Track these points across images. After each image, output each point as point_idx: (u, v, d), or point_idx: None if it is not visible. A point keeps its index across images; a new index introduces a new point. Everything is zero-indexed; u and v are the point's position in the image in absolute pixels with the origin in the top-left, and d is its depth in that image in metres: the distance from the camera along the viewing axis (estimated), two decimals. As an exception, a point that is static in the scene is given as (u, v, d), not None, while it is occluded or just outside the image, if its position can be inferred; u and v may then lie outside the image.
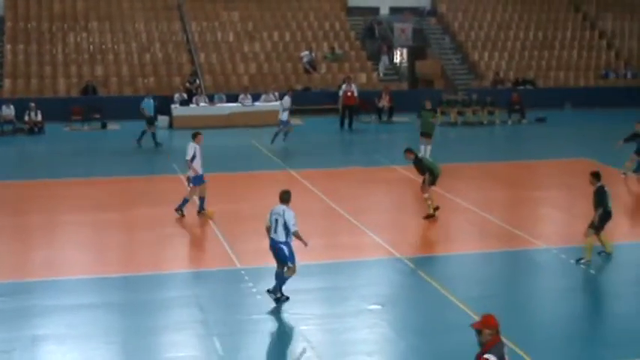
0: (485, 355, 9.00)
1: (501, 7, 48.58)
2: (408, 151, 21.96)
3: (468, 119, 38.01)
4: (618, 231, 21.07)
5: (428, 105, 29.78)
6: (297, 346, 13.76)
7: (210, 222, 21.03)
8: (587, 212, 21.45)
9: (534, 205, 23.70)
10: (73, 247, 19.56)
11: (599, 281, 17.43)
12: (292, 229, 15.18)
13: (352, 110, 37.11)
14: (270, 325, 14.72)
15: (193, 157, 21.58)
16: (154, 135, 32.21)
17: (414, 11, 47.48)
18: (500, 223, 21.29)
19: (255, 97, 38.37)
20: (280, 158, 29.45)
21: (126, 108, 37.66)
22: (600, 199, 17.84)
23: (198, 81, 39.75)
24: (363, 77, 42.51)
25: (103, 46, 41.96)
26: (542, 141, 34.53)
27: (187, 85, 39.20)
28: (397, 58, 47.10)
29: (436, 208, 21.62)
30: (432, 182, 21.56)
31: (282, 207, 15.31)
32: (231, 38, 43.65)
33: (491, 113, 38.74)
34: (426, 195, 21.59)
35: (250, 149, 31.54)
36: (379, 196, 24.54)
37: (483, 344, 9.14)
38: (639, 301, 16.31)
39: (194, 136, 22.01)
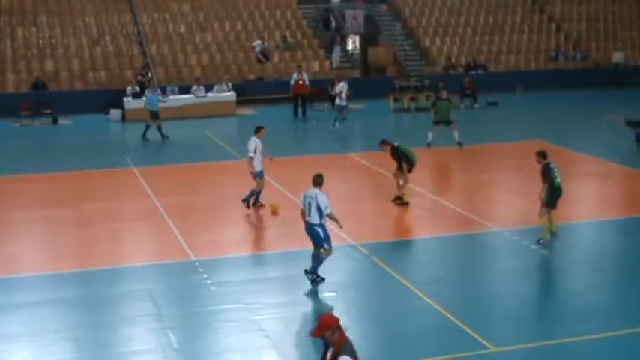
0: (340, 358, 8.86)
1: (451, -7, 48.78)
2: (384, 142, 21.78)
3: (420, 105, 38.16)
4: (570, 211, 21.36)
5: (445, 94, 29.76)
6: (251, 336, 13.75)
7: (164, 214, 20.92)
8: (537, 194, 21.69)
9: (488, 189, 23.89)
10: (25, 244, 19.36)
11: (551, 261, 17.63)
12: (325, 211, 15.58)
13: (304, 99, 37.11)
14: (225, 315, 14.70)
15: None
16: (159, 128, 31.68)
17: (365, -2, 47.55)
18: (454, 207, 21.44)
19: (208, 88, 38.19)
20: (234, 149, 29.35)
21: (77, 102, 37.42)
22: (546, 175, 18.07)
23: (150, 73, 39.47)
24: (315, 65, 42.50)
25: (53, 41, 41.48)
26: (494, 124, 34.83)
27: (139, 77, 38.90)
28: (349, 46, 47.15)
29: (398, 199, 21.65)
30: (410, 170, 21.63)
31: (314, 190, 15.75)
32: (182, 29, 43.38)
33: (444, 98, 38.87)
34: (401, 182, 21.63)
35: (204, 140, 31.40)
36: (334, 183, 24.46)
37: (333, 344, 9.01)
38: (589, 279, 16.54)
39: (256, 131, 21.32)
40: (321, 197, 15.68)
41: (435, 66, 43.84)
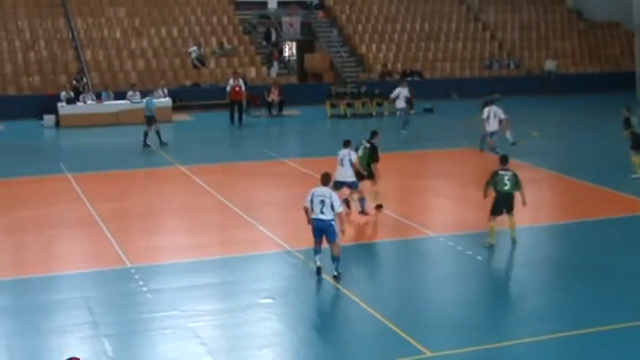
0: None
1: (388, 0, 49.13)
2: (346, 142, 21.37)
3: (357, 111, 38.35)
4: (503, 217, 21.63)
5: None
6: (188, 343, 13.67)
7: (99, 221, 20.70)
8: (476, 200, 21.95)
9: (424, 195, 24.10)
10: (-44, 252, 18.99)
11: (486, 266, 17.80)
12: (338, 209, 16.19)
13: (241, 105, 37.02)
14: (161, 323, 14.57)
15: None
16: (158, 133, 31.13)
17: (302, 5, 47.66)
18: (391, 213, 21.55)
19: (144, 94, 37.87)
20: (170, 155, 29.19)
21: (10, 108, 36.88)
22: (489, 180, 18.61)
23: (85, 79, 39.06)
24: (252, 71, 42.47)
25: (-16, 45, 40.86)
26: (430, 131, 35.12)
27: (74, 83, 38.49)
28: (286, 52, 47.21)
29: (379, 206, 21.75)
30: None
31: (326, 189, 16.40)
32: (117, 35, 43.03)
33: (379, 105, 39.20)
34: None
35: (140, 147, 31.12)
36: (270, 189, 24.57)
37: None
38: (523, 284, 16.79)
39: (346, 144, 20.97)
40: (335, 196, 16.52)
41: (371, 73, 44.11)
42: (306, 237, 19.68)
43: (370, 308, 14.98)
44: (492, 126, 27.97)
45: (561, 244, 19.63)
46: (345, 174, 20.58)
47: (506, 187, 18.58)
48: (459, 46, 47.36)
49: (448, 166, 27.37)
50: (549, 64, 46.37)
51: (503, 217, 18.70)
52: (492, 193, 18.72)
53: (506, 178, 18.60)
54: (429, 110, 39.32)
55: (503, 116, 27.96)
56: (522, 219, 21.35)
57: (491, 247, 18.52)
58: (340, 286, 16.02)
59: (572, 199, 23.65)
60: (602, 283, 16.48)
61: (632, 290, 16.06)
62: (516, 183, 18.61)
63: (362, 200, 21.19)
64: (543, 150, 30.36)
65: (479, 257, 18.04)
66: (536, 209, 22.31)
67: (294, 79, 43.71)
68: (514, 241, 18.88)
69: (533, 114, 38.18)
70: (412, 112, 38.64)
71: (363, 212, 21.11)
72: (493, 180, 18.65)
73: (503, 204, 18.67)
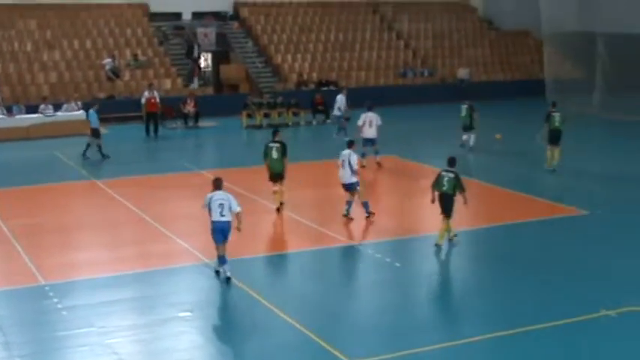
0: None
1: (302, 11, 49.32)
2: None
3: (273, 121, 38.33)
4: (421, 223, 21.88)
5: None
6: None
7: (11, 237, 20.24)
8: (392, 207, 22.13)
9: (340, 203, 24.08)
10: None
11: (404, 273, 17.88)
12: (236, 210, 17.02)
13: (156, 117, 36.64)
14: (77, 340, 14.29)
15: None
16: (99, 147, 30.75)
17: (217, 16, 47.48)
18: (308, 222, 21.58)
19: (57, 107, 37.27)
20: (85, 169, 28.75)
21: None
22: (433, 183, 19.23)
23: (-5, 92, 38.26)
24: (167, 83, 42.12)
25: None
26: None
27: (-17, 96, 37.65)
28: (202, 63, 46.95)
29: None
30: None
31: (223, 192, 17.20)
32: (29, 47, 42.23)
33: (296, 114, 39.25)
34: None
35: (53, 161, 30.59)
36: (187, 201, 24.31)
37: None
38: (440, 290, 17.02)
39: (349, 144, 21.95)
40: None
41: (287, 83, 44.17)
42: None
43: (290, 318, 14.96)
44: (368, 133, 28.21)
45: (475, 249, 19.88)
46: (345, 175, 21.55)
47: (444, 188, 18.87)
48: (373, 55, 47.74)
49: (365, 174, 27.46)
50: (462, 72, 47.08)
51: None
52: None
53: (445, 179, 18.91)
54: (346, 119, 39.42)
55: (379, 123, 28.30)
56: (440, 225, 21.59)
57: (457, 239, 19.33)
58: (261, 297, 15.97)
59: (489, 204, 23.94)
60: (515, 286, 16.76)
61: (558, 288, 16.40)
62: (456, 185, 18.86)
63: (349, 204, 21.72)
64: (459, 156, 30.65)
65: (397, 264, 18.18)
66: (455, 216, 22.58)
67: (209, 90, 43.49)
68: (438, 247, 19.08)
69: (447, 122, 38.61)
70: (329, 121, 38.83)
71: (369, 215, 21.64)
72: (436, 180, 19.10)
73: (441, 204, 18.95)
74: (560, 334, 14.27)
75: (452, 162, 19.28)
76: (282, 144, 22.53)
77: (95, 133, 30.84)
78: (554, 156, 27.40)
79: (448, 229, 19.25)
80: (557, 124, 27.44)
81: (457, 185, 18.87)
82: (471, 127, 31.58)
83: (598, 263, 18.23)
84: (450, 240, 19.35)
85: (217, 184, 17.35)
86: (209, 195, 17.10)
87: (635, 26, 45.80)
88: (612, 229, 21.08)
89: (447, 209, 19.05)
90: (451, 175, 18.96)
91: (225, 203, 16.96)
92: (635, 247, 19.52)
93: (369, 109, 28.70)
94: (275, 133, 23.05)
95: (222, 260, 17.03)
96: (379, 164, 28.10)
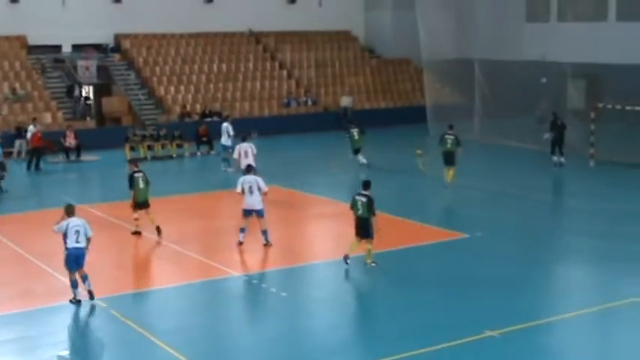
0: None
1: (184, 42, 49.19)
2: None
3: (157, 153, 38.06)
4: (307, 252, 22.06)
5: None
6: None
7: None
8: (276, 238, 22.24)
9: (226, 235, 24.07)
10: None
11: (292, 302, 17.96)
12: (89, 235, 17.97)
13: (40, 152, 35.94)
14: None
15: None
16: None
17: (97, 48, 46.92)
18: (194, 254, 21.49)
19: None
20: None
21: None
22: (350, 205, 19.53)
23: None
24: (48, 117, 41.36)
25: None
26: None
27: None
28: (76, 90, 46.01)
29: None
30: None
31: (79, 219, 17.90)
32: None
33: (180, 146, 39.05)
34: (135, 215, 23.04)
35: None
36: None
37: None
38: (328, 317, 17.11)
39: (248, 170, 22.83)
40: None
41: (171, 114, 43.94)
42: (106, 284, 19.37)
43: (176, 352, 14.87)
44: (245, 163, 28.10)
45: (363, 276, 20.12)
46: (254, 202, 21.67)
47: (360, 212, 19.12)
48: (257, 86, 47.95)
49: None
50: (345, 101, 47.66)
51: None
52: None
53: (359, 203, 19.16)
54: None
55: (255, 152, 28.47)
56: (326, 253, 21.84)
57: (373, 267, 19.50)
58: (146, 332, 15.82)
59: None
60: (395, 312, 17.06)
61: (443, 311, 16.75)
62: (369, 209, 19.10)
63: (265, 232, 21.75)
64: (342, 184, 31.14)
65: (283, 294, 18.26)
66: (339, 242, 22.84)
67: (91, 124, 42.89)
68: (366, 265, 19.62)
69: (329, 150, 39.11)
70: (213, 152, 38.77)
71: (267, 244, 21.69)
72: (351, 203, 19.45)
73: (357, 227, 19.18)
74: (444, 358, 14.58)
75: (366, 185, 19.61)
76: (144, 173, 23.44)
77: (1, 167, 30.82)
78: (449, 174, 28.84)
79: (370, 253, 19.53)
80: (448, 146, 28.80)
81: (369, 209, 19.16)
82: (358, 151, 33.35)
83: (480, 284, 18.72)
84: (367, 264, 19.58)
85: (70, 211, 17.87)
86: (65, 222, 17.60)
87: (510, 52, 47.47)
88: (492, 251, 21.68)
89: (363, 233, 19.32)
90: (364, 199, 19.27)
91: (81, 229, 17.56)
92: (511, 269, 20.12)
93: (243, 139, 28.85)
94: (134, 163, 24.45)
95: (74, 284, 17.56)
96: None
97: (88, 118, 43.05)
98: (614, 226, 23.77)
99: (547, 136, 34.38)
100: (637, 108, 33.40)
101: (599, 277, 19.60)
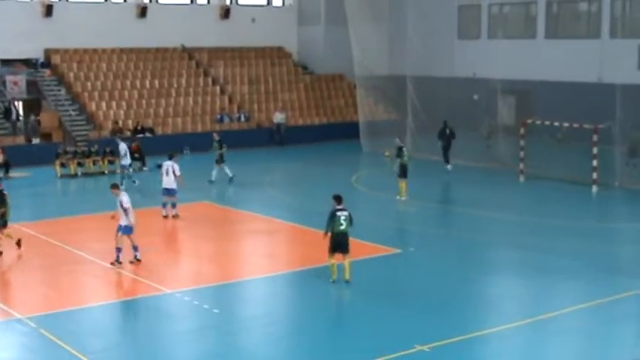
0: None
1: (116, 57, 48.75)
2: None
3: (88, 170, 37.61)
4: (240, 268, 21.99)
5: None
6: None
7: None
8: (208, 254, 22.14)
9: (157, 251, 23.84)
10: None
11: (224, 318, 17.87)
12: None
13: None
14: None
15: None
16: None
17: (27, 63, 46.26)
18: (126, 272, 21.26)
19: None
20: None
21: None
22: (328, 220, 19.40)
23: None
24: (-25, 133, 40.68)
25: None
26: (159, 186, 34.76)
27: None
28: (13, 113, 45.39)
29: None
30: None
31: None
32: None
33: (111, 162, 38.63)
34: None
35: None
36: (-2, 256, 23.52)
37: None
38: (260, 334, 17.08)
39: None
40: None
41: (102, 130, 43.48)
42: (35, 302, 19.06)
43: (106, 371, 14.69)
44: (165, 182, 27.90)
45: (295, 291, 20.12)
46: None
47: (342, 227, 19.13)
48: (189, 101, 47.72)
49: (183, 222, 27.36)
50: (278, 117, 47.68)
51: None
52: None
53: (342, 218, 19.17)
54: (160, 166, 39.09)
55: (178, 172, 28.00)
56: (259, 269, 21.84)
57: (334, 282, 19.44)
58: (76, 351, 15.59)
59: (309, 246, 24.10)
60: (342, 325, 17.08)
61: (375, 325, 16.81)
62: (350, 222, 19.28)
63: (135, 248, 21.85)
64: (275, 200, 31.13)
65: (215, 310, 18.16)
66: (271, 258, 22.85)
67: (21, 140, 42.21)
68: (348, 282, 19.50)
69: (261, 166, 39.11)
70: (145, 168, 38.46)
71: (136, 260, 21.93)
72: (332, 220, 19.29)
73: (338, 244, 19.12)
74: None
75: (340, 200, 19.57)
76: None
77: None
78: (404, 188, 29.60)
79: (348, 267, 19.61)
80: (405, 159, 29.67)
81: (351, 223, 19.37)
82: (222, 161, 34.04)
83: (411, 299, 18.86)
84: (348, 281, 19.60)
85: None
86: None
87: (441, 69, 48.04)
88: (424, 265, 21.88)
89: (344, 248, 19.44)
90: (345, 212, 19.39)
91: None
92: (443, 283, 20.31)
93: (170, 157, 28.45)
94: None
95: None
96: (175, 216, 27.77)
97: (33, 140, 42.22)
98: (543, 241, 24.12)
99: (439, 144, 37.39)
100: (565, 124, 34.01)
101: (529, 290, 19.85)
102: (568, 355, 15.82)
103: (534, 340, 16.43)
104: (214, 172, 33.89)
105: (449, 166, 36.82)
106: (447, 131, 36.98)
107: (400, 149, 29.95)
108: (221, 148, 34.11)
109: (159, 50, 50.45)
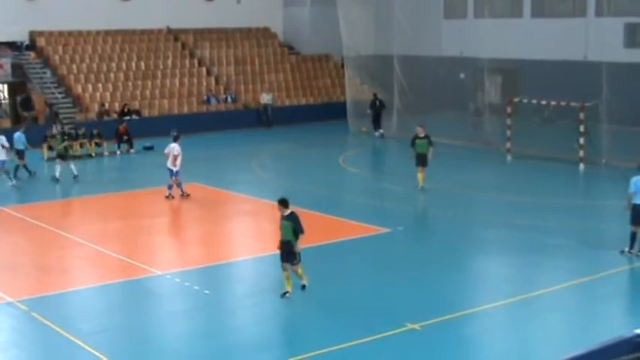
0: None
1: (101, 39, 48.50)
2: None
3: (75, 153, 37.48)
4: (229, 249, 22.03)
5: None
6: None
7: None
8: (198, 236, 22.17)
9: (147, 234, 23.91)
10: None
11: (214, 299, 17.91)
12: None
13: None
14: None
15: None
16: (25, 166, 32.50)
17: (11, 46, 45.99)
18: (115, 254, 21.27)
19: None
20: None
21: None
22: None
23: None
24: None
25: None
26: (150, 169, 34.74)
27: None
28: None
29: None
30: None
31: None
32: None
33: (99, 145, 38.54)
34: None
35: None
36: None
37: None
38: (251, 314, 17.14)
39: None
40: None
41: (89, 113, 43.33)
42: (26, 285, 19.07)
43: (98, 352, 14.72)
44: (167, 163, 27.94)
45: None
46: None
47: (283, 236, 18.07)
48: (176, 83, 47.56)
49: (167, 203, 27.34)
50: (265, 98, 47.57)
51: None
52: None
53: (283, 225, 18.04)
54: (149, 148, 39.12)
55: (175, 153, 27.73)
56: (248, 250, 21.89)
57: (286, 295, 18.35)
58: (68, 334, 15.61)
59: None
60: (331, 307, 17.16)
61: (366, 305, 16.89)
62: (295, 233, 17.94)
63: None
64: (263, 181, 31.16)
65: (206, 291, 18.21)
66: (260, 239, 22.89)
67: (7, 123, 42.03)
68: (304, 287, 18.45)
69: (249, 148, 39.09)
70: (132, 150, 38.40)
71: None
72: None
73: (283, 252, 18.24)
74: (366, 352, 14.72)
75: (285, 204, 18.10)
76: None
77: (20, 155, 32.34)
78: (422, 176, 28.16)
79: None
80: (420, 148, 27.88)
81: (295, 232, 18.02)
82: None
83: (400, 278, 18.95)
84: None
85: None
86: None
87: (428, 48, 47.98)
88: (413, 244, 22.00)
89: (288, 257, 18.03)
90: (287, 222, 17.98)
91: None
92: (432, 261, 20.42)
93: (175, 139, 28.29)
94: None
95: None
96: (183, 195, 27.86)
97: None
98: (532, 219, 24.22)
99: (369, 112, 42.53)
100: (552, 103, 34.09)
101: (518, 268, 19.98)
102: (558, 332, 15.94)
103: (524, 318, 16.56)
104: (59, 168, 31.80)
105: (377, 133, 41.42)
106: (377, 103, 42.28)
107: (414, 138, 28.10)
108: (63, 142, 32.73)
109: (144, 32, 50.20)
